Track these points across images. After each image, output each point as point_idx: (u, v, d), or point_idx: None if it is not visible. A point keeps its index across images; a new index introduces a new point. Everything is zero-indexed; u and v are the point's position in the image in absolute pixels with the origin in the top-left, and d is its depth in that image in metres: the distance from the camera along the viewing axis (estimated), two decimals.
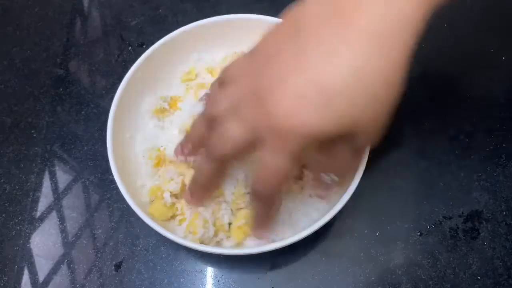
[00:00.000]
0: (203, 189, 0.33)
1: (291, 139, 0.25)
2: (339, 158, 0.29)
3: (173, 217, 0.37)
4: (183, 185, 0.37)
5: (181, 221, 0.36)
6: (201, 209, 0.35)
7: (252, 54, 0.28)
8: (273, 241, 0.33)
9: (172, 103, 0.40)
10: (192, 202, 0.34)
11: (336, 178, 0.30)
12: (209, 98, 0.33)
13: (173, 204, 0.37)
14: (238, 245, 0.35)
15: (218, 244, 0.36)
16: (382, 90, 0.24)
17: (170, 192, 0.36)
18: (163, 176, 0.37)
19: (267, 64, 0.26)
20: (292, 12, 0.26)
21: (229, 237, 0.36)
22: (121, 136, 0.38)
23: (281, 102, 0.24)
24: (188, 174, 0.36)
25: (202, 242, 0.35)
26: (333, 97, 0.23)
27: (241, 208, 0.36)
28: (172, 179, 0.36)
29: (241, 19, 0.41)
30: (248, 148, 0.27)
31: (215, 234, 0.35)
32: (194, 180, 0.33)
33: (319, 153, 0.30)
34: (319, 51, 0.24)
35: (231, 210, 0.36)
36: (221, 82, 0.31)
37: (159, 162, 0.38)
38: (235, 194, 0.35)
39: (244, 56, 0.30)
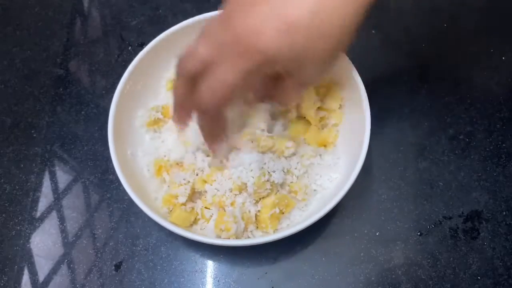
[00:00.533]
0: (178, 107, 0.34)
1: (247, 55, 0.27)
2: (288, 90, 0.32)
3: (195, 221, 0.37)
4: (193, 189, 0.37)
5: (206, 221, 0.37)
6: (226, 206, 0.36)
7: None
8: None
9: (164, 112, 0.40)
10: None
11: (279, 106, 0.34)
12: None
13: (193, 208, 0.37)
14: (268, 234, 0.36)
15: (250, 236, 0.37)
16: (335, 31, 0.27)
17: (184, 197, 0.36)
18: (171, 182, 0.37)
19: (235, 2, 0.29)
20: None
21: (257, 228, 0.37)
22: (124, 154, 0.38)
23: (247, 21, 0.27)
24: (197, 178, 0.37)
25: (236, 237, 0.35)
26: (292, 29, 0.26)
27: (263, 197, 0.36)
28: (181, 185, 0.36)
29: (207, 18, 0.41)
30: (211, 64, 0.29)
31: (246, 228, 0.36)
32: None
33: (272, 86, 0.33)
34: None
35: (254, 200, 0.37)
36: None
37: (160, 169, 0.38)
38: (255, 184, 0.35)
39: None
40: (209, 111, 0.30)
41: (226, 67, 0.28)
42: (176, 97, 0.33)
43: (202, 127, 0.33)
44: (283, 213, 0.37)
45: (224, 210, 0.36)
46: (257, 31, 0.27)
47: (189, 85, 0.31)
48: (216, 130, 0.34)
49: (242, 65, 0.27)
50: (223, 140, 0.35)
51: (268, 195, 0.36)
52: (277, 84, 0.33)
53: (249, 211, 0.36)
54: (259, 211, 0.36)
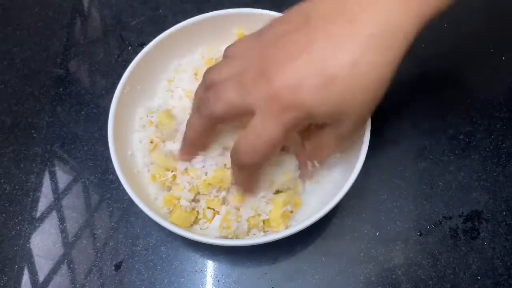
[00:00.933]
0: (191, 145, 0.34)
1: (288, 110, 0.27)
2: (324, 145, 0.32)
3: (195, 221, 0.37)
4: (197, 190, 0.37)
5: (208, 221, 0.37)
6: (239, 205, 0.36)
7: (259, 34, 0.30)
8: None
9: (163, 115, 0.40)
10: (182, 158, 0.35)
11: (318, 165, 0.34)
12: (210, 69, 0.32)
13: (193, 209, 0.37)
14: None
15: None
16: (373, 83, 0.27)
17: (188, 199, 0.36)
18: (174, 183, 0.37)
19: (275, 43, 0.28)
20: (301, 6, 0.29)
21: (266, 227, 0.36)
22: (124, 154, 0.38)
23: (286, 76, 0.27)
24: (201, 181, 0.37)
25: (236, 237, 0.35)
26: (332, 82, 0.26)
27: (279, 192, 0.36)
28: (184, 188, 0.36)
29: (208, 18, 0.41)
30: (239, 115, 0.29)
31: (249, 230, 0.36)
32: (184, 135, 0.34)
33: (306, 141, 0.33)
34: (326, 42, 0.27)
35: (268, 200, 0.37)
36: (225, 56, 0.32)
37: (156, 146, 0.38)
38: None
39: (250, 36, 0.31)
40: (249, 167, 0.30)
41: (266, 123, 0.27)
42: (192, 134, 0.33)
43: (240, 183, 0.34)
44: (292, 211, 0.36)
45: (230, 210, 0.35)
46: (296, 86, 0.26)
47: (209, 125, 0.31)
48: (253, 184, 0.34)
49: (283, 121, 0.27)
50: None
51: (277, 193, 0.36)
52: (310, 135, 0.33)
53: (259, 215, 0.36)
54: (270, 210, 0.36)
